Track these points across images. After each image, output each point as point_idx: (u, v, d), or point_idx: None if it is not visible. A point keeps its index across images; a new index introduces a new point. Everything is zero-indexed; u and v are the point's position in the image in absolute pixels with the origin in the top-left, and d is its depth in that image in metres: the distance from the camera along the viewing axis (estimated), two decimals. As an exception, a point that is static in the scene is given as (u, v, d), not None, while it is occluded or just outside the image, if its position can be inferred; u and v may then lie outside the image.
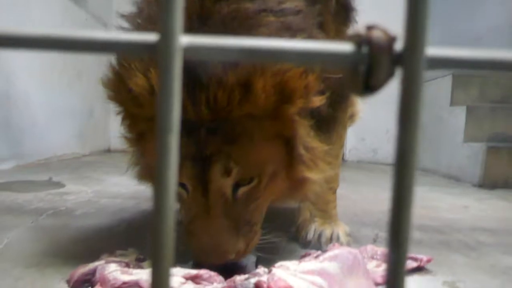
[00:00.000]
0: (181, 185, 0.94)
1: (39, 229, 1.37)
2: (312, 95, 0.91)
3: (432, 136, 3.84)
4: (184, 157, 0.87)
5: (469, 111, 3.29)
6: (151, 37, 0.23)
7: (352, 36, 0.23)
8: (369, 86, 0.23)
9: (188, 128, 0.86)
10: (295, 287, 0.74)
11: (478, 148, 3.05)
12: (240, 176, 0.91)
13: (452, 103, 3.54)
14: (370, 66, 0.22)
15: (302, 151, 0.96)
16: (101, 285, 0.81)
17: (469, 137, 3.25)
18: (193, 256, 0.97)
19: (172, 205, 0.23)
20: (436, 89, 3.81)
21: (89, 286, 0.90)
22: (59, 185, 2.28)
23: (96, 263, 0.92)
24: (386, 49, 0.22)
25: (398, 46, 0.22)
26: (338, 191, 1.41)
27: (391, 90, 0.29)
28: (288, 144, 0.96)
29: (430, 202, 2.22)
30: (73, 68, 3.76)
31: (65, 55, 3.63)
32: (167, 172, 0.22)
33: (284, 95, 0.87)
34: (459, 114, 3.36)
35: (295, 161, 0.97)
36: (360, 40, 0.22)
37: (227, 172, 0.89)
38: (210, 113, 0.85)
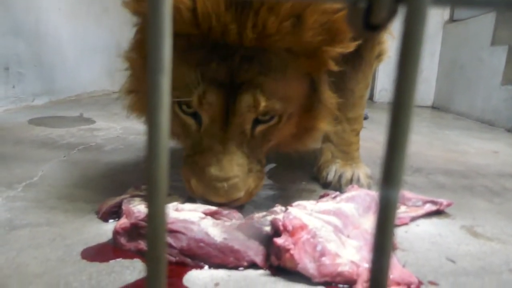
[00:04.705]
0: (193, 115, 0.91)
1: (71, 163, 1.44)
2: (348, 40, 0.90)
3: (469, 78, 3.66)
4: (209, 83, 0.85)
5: (511, 51, 3.09)
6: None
7: (355, -31, 0.21)
8: (370, 25, 0.21)
9: (221, 53, 0.84)
10: (309, 225, 0.75)
11: (517, 91, 2.90)
12: (266, 111, 0.89)
13: (494, 42, 3.31)
14: (370, 3, 0.20)
15: (320, 97, 0.98)
16: (126, 217, 0.86)
17: (508, 80, 3.08)
18: (196, 193, 0.92)
19: (165, 146, 0.23)
20: (477, 27, 3.57)
21: (116, 217, 0.95)
22: (90, 121, 2.36)
23: (122, 197, 0.97)
24: (389, -17, 0.20)
25: (403, -20, 0.20)
26: (364, 133, 1.38)
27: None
28: (311, 87, 0.96)
29: (459, 147, 2.16)
30: (99, 4, 3.72)
31: (91, -10, 3.58)
32: (159, 114, 0.22)
33: (330, 35, 0.86)
34: (500, 55, 3.16)
35: (312, 107, 0.98)
36: (362, -26, 0.21)
37: (255, 105, 0.86)
38: (255, 39, 0.82)
